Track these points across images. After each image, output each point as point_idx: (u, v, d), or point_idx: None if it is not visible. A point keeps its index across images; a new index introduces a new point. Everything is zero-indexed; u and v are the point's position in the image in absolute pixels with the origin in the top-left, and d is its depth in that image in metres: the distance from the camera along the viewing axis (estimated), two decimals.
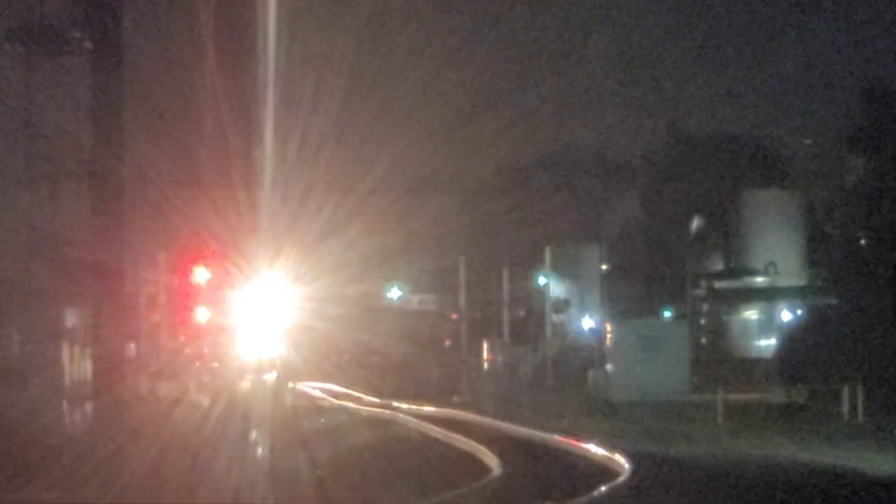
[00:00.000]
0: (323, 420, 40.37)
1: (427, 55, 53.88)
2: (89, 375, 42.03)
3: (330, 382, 54.20)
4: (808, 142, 63.65)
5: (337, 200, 54.41)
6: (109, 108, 43.00)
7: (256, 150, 41.14)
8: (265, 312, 38.22)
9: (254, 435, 30.24)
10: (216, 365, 35.85)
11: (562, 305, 74.20)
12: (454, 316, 73.21)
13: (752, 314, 69.74)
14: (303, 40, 46.82)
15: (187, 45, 42.07)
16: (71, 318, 43.04)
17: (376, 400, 47.31)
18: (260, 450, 28.39)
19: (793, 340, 53.38)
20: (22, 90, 42.98)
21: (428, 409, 43.68)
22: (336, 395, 50.09)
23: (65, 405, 39.59)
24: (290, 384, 42.24)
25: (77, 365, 42.37)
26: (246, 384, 35.34)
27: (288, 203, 45.16)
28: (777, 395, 47.35)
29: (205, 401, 34.26)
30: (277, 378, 40.30)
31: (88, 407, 39.32)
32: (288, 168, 44.31)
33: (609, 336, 61.37)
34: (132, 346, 43.37)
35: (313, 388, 51.84)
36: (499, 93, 59.19)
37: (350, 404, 46.43)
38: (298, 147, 46.76)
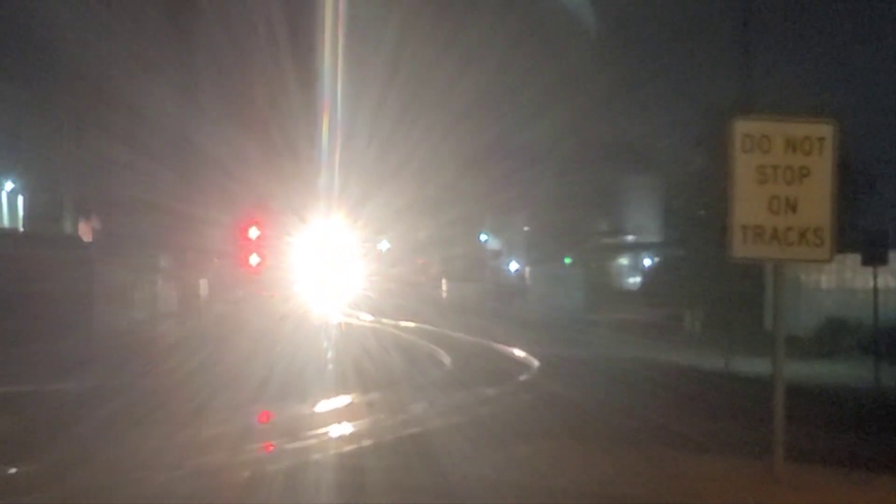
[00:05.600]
0: (336, 332, 40.74)
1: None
2: (176, 302, 42.10)
3: (346, 307, 54.19)
4: (665, 143, 64.40)
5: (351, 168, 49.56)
6: (192, 105, 41.68)
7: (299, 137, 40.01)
8: (300, 259, 38.64)
9: (291, 342, 30.89)
10: (266, 294, 36.02)
11: (496, 254, 74.99)
12: (420, 260, 73.70)
13: (625, 260, 70.82)
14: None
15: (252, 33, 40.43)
16: (163, 261, 42.94)
17: (371, 317, 47.92)
18: (298, 352, 28.88)
19: (652, 278, 54.37)
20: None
21: (405, 323, 44.46)
22: (346, 314, 50.52)
23: (161, 322, 39.52)
24: (321, 307, 41.83)
25: (168, 294, 42.24)
26: (287, 308, 35.73)
27: (322, 171, 43.13)
28: (643, 316, 48.13)
29: (261, 320, 34.62)
30: (311, 304, 40.36)
31: (178, 324, 39.44)
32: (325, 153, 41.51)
33: (528, 275, 62.49)
34: (205, 282, 43.51)
35: (333, 311, 51.92)
36: (450, 92, 53.46)
37: (354, 321, 47.05)
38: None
